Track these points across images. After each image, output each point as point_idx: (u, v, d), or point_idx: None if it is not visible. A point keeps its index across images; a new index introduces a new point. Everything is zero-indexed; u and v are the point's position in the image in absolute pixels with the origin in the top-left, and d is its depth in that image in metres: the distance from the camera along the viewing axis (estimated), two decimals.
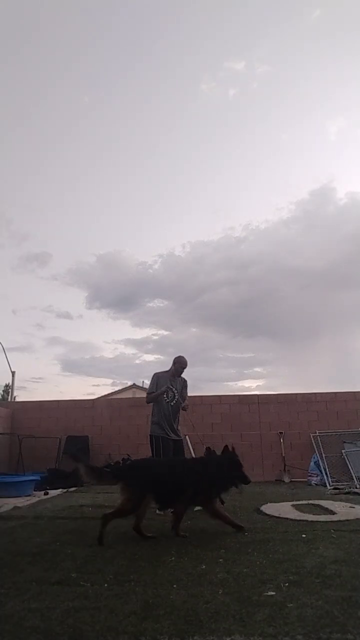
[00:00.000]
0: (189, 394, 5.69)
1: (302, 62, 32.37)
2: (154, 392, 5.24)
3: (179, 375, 5.42)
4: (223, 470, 3.76)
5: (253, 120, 37.56)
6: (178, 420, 5.33)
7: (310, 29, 27.70)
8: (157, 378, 5.36)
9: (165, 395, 5.18)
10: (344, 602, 1.97)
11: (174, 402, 5.23)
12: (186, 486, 3.62)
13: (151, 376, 5.49)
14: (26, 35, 27.50)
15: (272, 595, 2.08)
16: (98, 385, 53.04)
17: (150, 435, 5.20)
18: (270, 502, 5.44)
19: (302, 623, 1.75)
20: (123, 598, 2.09)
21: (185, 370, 5.43)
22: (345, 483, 7.20)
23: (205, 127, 36.69)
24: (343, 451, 8.13)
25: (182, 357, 5.41)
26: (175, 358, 5.43)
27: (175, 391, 5.27)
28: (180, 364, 5.39)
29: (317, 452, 8.31)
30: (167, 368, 5.54)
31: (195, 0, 29.79)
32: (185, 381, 5.52)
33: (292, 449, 9.02)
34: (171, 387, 5.24)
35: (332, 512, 4.60)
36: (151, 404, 5.37)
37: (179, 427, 5.36)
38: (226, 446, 4.02)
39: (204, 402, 9.57)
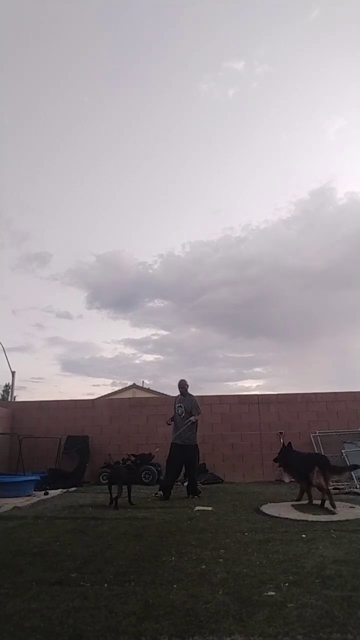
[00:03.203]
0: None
1: (302, 62, 32.38)
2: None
3: (184, 395, 6.77)
4: None
5: (253, 120, 37.58)
6: (191, 429, 6.47)
7: (310, 29, 27.72)
8: (174, 401, 6.92)
9: (176, 413, 6.69)
10: (344, 602, 1.96)
11: (182, 416, 6.61)
12: None
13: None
14: (26, 35, 27.52)
15: (272, 595, 2.08)
16: (98, 385, 52.94)
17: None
18: (270, 502, 5.44)
19: (302, 623, 1.75)
20: (123, 598, 2.09)
21: (187, 386, 6.78)
22: (345, 483, 7.21)
23: (205, 127, 36.73)
24: (343, 451, 8.14)
25: (180, 380, 6.86)
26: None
27: (185, 408, 6.64)
28: (179, 386, 6.83)
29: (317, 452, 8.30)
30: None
31: (195, 0, 29.81)
32: (193, 400, 6.73)
33: None
34: (181, 405, 6.69)
35: (332, 512, 4.59)
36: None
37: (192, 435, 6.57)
38: None
39: (204, 402, 9.51)
